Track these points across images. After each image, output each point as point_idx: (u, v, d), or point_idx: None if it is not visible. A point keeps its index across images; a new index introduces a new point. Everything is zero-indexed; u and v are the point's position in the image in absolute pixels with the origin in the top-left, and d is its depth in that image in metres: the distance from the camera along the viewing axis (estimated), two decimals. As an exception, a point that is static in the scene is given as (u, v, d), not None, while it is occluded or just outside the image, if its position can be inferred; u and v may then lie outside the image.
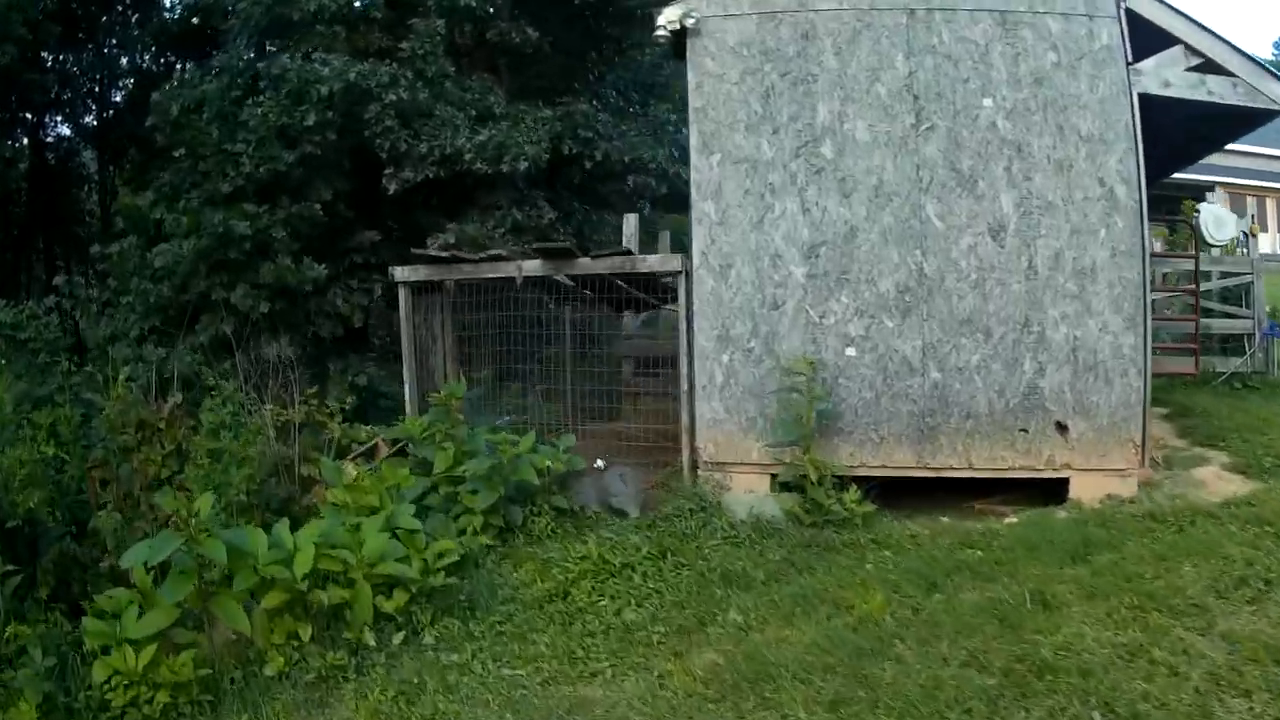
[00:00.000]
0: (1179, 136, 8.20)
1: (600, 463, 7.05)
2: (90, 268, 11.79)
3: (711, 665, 4.46)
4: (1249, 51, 6.89)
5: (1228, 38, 6.68)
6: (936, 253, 6.49)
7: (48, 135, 18.84)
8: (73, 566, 6.46)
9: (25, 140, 17.90)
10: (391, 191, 10.83)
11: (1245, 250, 11.87)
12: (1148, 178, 6.57)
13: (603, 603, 5.29)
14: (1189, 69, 6.65)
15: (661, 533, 6.06)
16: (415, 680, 4.53)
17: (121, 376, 7.54)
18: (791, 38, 6.72)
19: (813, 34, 6.70)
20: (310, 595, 4.89)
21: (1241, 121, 7.57)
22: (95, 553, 6.65)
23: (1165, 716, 3.66)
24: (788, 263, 6.57)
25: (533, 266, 7.38)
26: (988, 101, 6.48)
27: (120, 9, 17.32)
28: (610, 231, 14.55)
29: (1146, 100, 6.51)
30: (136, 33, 17.25)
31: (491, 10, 11.81)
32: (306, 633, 4.85)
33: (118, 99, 18.46)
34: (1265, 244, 19.90)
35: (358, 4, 11.93)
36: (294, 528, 5.42)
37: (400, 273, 7.73)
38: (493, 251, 7.69)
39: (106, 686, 4.47)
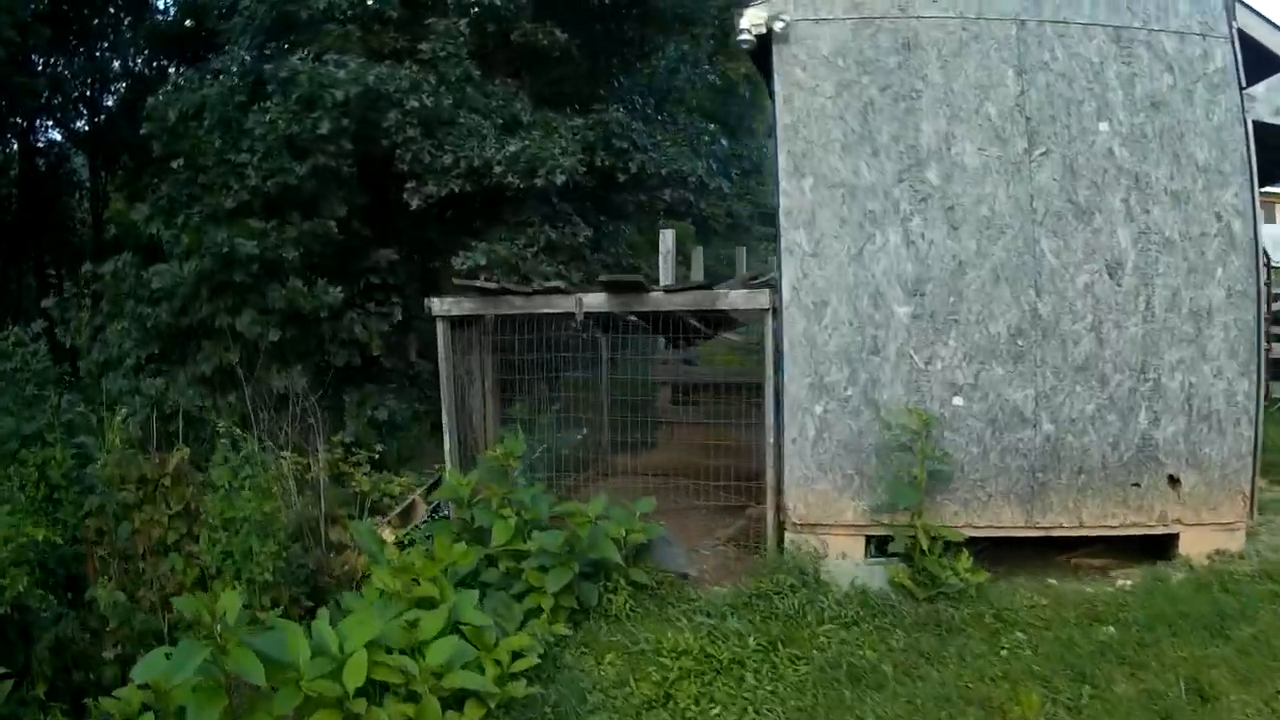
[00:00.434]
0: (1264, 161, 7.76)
1: None
2: (82, 286, 10.78)
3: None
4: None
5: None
6: (1051, 292, 6.00)
7: (38, 141, 18.47)
8: (71, 647, 5.56)
9: (15, 146, 17.52)
10: (414, 207, 9.90)
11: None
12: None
13: (715, 711, 4.50)
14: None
15: (763, 615, 5.38)
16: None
17: (118, 419, 6.64)
18: (891, 47, 6.09)
19: (915, 44, 6.08)
20: (367, 716, 3.98)
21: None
22: (94, 622, 5.78)
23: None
24: (889, 301, 6.01)
25: (596, 301, 6.53)
26: (1104, 126, 5.99)
27: (112, 11, 16.74)
28: (625, 246, 13.71)
29: (1258, 128, 6.14)
30: (129, 35, 16.65)
31: (514, 9, 10.89)
32: (364, 763, 3.97)
33: (110, 104, 17.98)
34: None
35: (371, 2, 10.99)
36: (324, 601, 4.55)
37: (438, 305, 6.82)
38: (550, 284, 6.81)
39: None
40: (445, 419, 6.77)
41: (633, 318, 7.26)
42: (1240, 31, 6.10)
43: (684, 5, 12.86)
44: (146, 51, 16.73)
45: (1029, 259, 5.98)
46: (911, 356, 6.02)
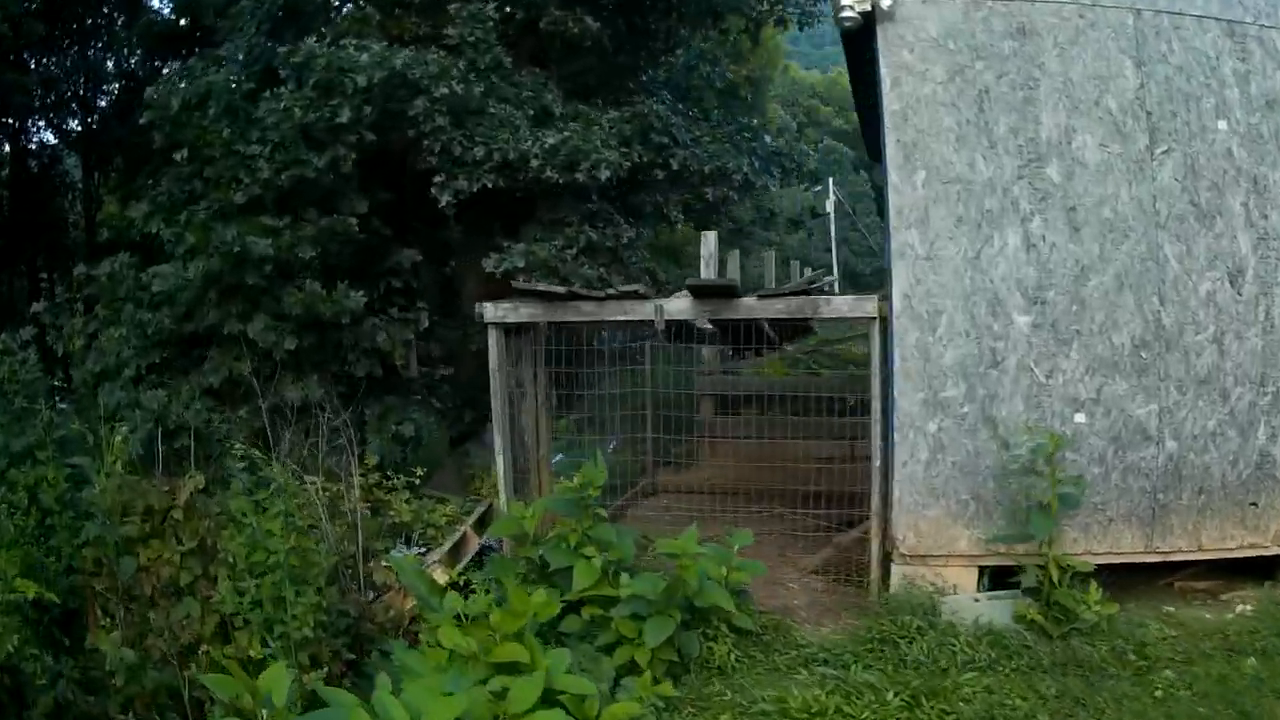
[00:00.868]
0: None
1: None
2: (75, 291, 9.88)
3: None
4: None
5: None
6: (1174, 300, 5.68)
7: (30, 141, 17.87)
8: (71, 709, 4.72)
9: (6, 147, 17.08)
10: (443, 203, 9.02)
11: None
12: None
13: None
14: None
15: (893, 663, 4.88)
16: None
17: (118, 438, 5.79)
18: (1005, 32, 5.71)
19: (1030, 30, 5.69)
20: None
21: None
22: (96, 671, 4.93)
23: None
24: (1009, 309, 5.65)
25: (679, 308, 5.78)
26: (1222, 124, 5.72)
27: (106, 10, 16.14)
28: (642, 246, 12.87)
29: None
30: (123, 34, 15.97)
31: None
32: None
33: (103, 104, 17.31)
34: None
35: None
36: (365, 653, 3.70)
37: (492, 311, 5.98)
38: (627, 288, 6.00)
39: None
40: (498, 438, 5.91)
41: (707, 325, 6.46)
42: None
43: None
44: (140, 51, 16.02)
45: (1152, 265, 5.67)
46: (1032, 369, 5.65)
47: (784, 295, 6.05)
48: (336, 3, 11.39)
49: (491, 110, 9.50)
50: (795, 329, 8.22)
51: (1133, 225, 5.66)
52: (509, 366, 6.00)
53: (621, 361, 7.73)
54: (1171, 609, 5.63)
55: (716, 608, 4.80)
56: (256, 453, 6.07)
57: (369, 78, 8.81)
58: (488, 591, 4.90)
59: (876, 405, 5.85)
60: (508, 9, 10.07)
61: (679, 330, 7.25)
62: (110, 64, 17.07)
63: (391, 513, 5.76)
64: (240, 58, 10.34)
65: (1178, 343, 5.69)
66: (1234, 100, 5.73)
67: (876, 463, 5.81)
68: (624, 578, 4.77)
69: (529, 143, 9.06)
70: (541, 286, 6.02)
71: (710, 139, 11.40)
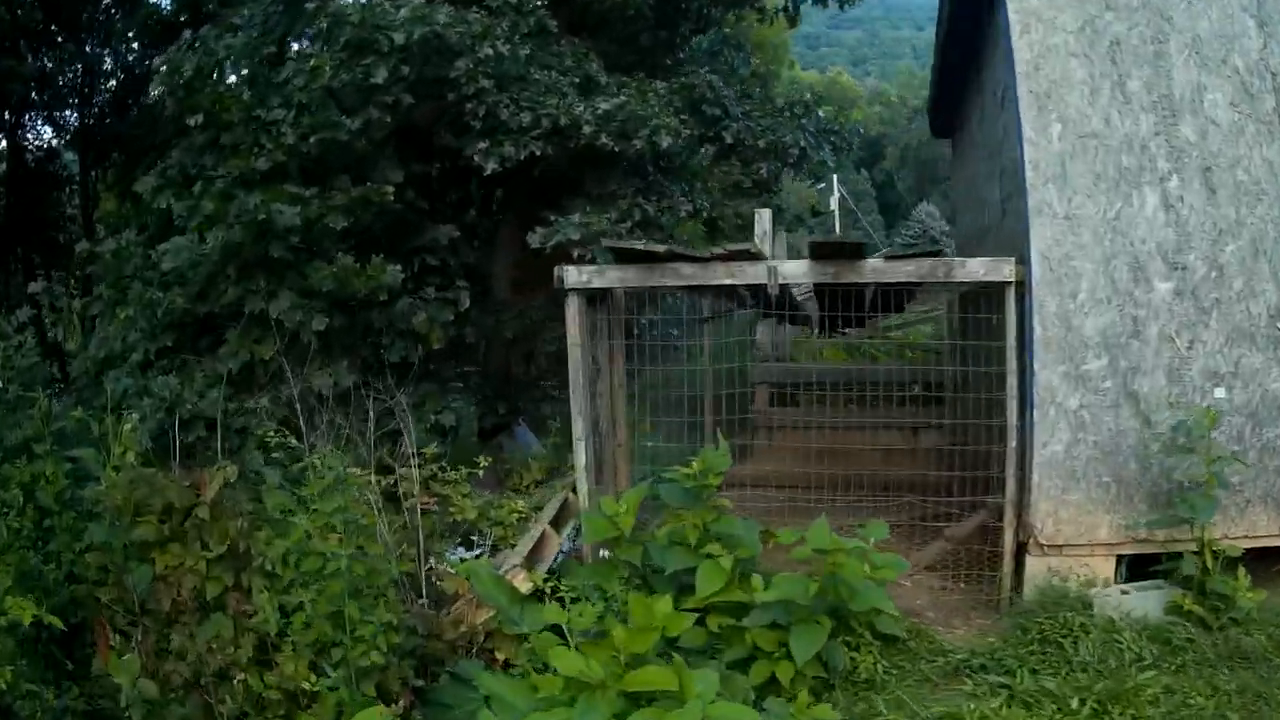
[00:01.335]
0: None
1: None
2: (74, 274, 9.01)
3: None
4: None
5: None
6: None
7: (26, 135, 17.52)
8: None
9: (3, 142, 16.66)
10: (488, 171, 8.16)
11: None
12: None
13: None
14: None
15: (1058, 665, 4.31)
16: None
17: (126, 426, 4.95)
18: None
19: None
20: None
21: None
22: (105, 701, 4.21)
23: None
24: (1150, 275, 5.23)
25: (794, 270, 5.06)
26: None
27: (104, 2, 15.69)
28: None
29: None
30: (120, 27, 15.52)
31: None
32: None
33: (100, 99, 17.05)
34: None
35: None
36: (433, 677, 2.93)
37: (575, 276, 5.12)
38: (736, 246, 5.18)
39: None
40: (579, 423, 5.02)
41: (801, 294, 5.64)
42: None
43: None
44: (138, 45, 15.52)
45: (1285, 230, 5.27)
46: (1174, 340, 5.21)
47: (913, 257, 5.30)
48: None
49: (536, 76, 8.69)
50: (897, 302, 7.41)
51: (1265, 189, 5.24)
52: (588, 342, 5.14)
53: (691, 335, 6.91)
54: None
55: (863, 612, 3.99)
56: (293, 439, 5.20)
57: (407, 34, 7.98)
58: (585, 599, 4.05)
59: (1013, 380, 5.21)
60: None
61: (765, 301, 6.41)
62: (109, 59, 16.72)
63: (452, 509, 4.89)
64: (256, 25, 9.50)
65: (1311, 312, 5.23)
66: (1346, 61, 5.41)
67: (1013, 443, 5.19)
68: (756, 579, 3.94)
69: (581, 108, 8.22)
70: (639, 245, 5.17)
71: (761, 113, 10.58)
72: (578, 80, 9.09)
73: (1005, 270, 5.19)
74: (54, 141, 18.35)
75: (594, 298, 5.30)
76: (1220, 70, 5.26)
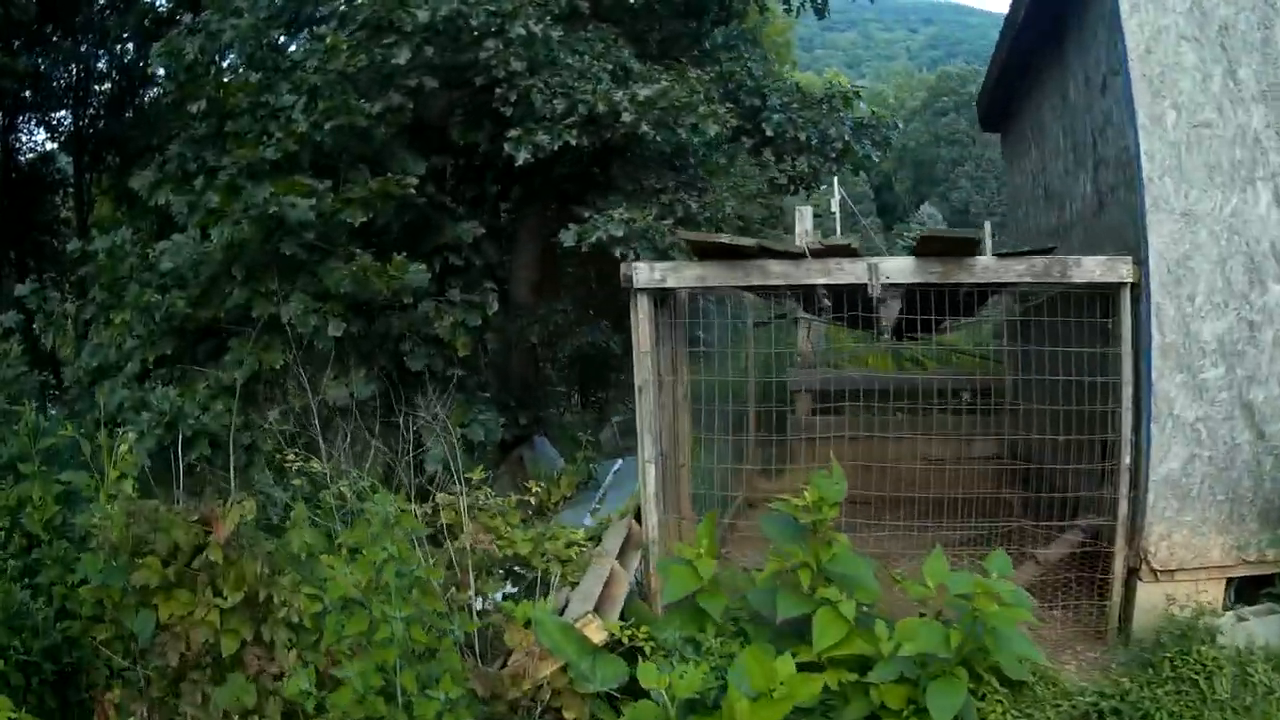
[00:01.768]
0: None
1: None
2: (67, 277, 8.30)
3: None
4: None
5: None
6: None
7: (19, 138, 17.40)
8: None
9: None
10: (519, 162, 7.47)
11: None
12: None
13: None
14: None
15: (1193, 704, 3.99)
16: None
17: (123, 446, 4.28)
18: None
19: None
20: None
21: None
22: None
23: None
24: (1264, 277, 4.85)
25: (897, 267, 4.39)
26: None
27: (100, 2, 15.18)
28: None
29: None
30: (115, 20, 14.72)
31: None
32: None
33: (95, 100, 17.01)
34: None
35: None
36: None
37: (646, 274, 4.44)
38: (834, 241, 4.55)
39: None
40: (647, 441, 4.33)
41: (882, 296, 5.00)
42: None
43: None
44: (134, 45, 14.95)
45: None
46: None
47: (1025, 255, 4.70)
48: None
49: (569, 61, 8.02)
50: (967, 305, 6.80)
51: None
52: (654, 348, 4.46)
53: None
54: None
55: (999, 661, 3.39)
56: (315, 462, 4.51)
57: (432, 11, 7.31)
58: (675, 652, 3.36)
59: (1128, 391, 4.76)
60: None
61: (837, 302, 5.74)
62: (103, 60, 16.39)
63: (500, 541, 4.21)
64: (263, 7, 8.83)
65: None
66: None
67: (1126, 459, 4.75)
68: (880, 628, 3.31)
69: (619, 95, 7.56)
70: (725, 239, 4.50)
71: (799, 105, 9.93)
72: (610, 66, 8.44)
73: (1122, 270, 4.72)
74: (48, 144, 18.25)
75: (660, 299, 4.62)
76: (1326, 61, 4.87)
